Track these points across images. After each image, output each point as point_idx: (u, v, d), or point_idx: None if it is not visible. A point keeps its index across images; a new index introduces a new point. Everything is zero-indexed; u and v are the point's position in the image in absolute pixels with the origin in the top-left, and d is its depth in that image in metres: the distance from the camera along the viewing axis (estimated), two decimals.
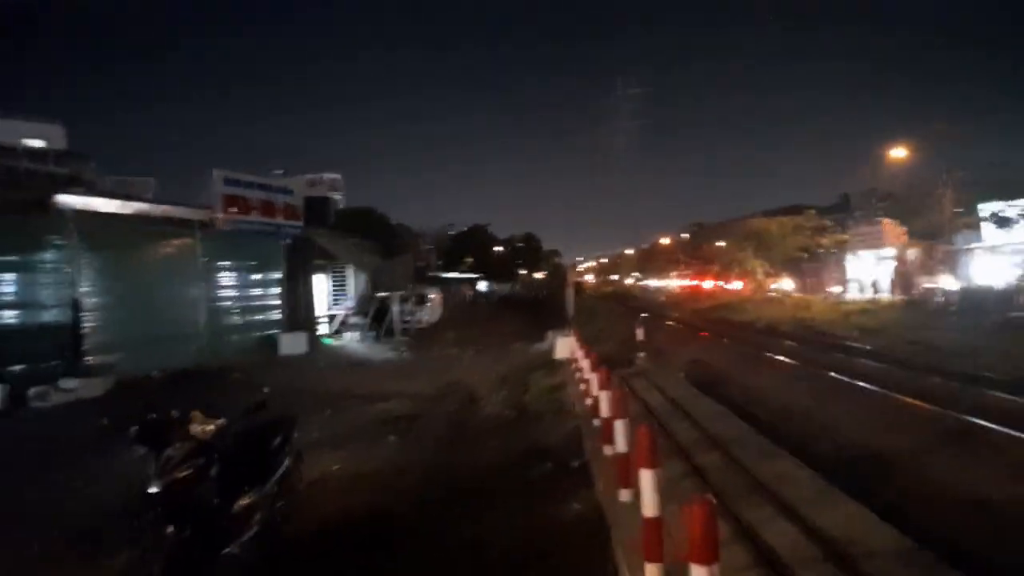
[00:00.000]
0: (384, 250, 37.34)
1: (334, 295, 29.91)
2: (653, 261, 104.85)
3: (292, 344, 22.85)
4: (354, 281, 31.05)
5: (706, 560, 3.26)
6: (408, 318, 33.14)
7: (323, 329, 27.82)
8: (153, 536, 5.28)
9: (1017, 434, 9.70)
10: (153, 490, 5.21)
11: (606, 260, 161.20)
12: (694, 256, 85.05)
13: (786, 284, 55.13)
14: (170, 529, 5.24)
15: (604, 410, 8.82)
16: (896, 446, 9.74)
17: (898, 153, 47.06)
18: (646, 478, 5.05)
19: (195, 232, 20.79)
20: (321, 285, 28.94)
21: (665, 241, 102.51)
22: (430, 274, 48.91)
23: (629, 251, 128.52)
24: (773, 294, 53.78)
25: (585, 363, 12.31)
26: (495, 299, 66.67)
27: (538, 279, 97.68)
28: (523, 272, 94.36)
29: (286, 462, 7.19)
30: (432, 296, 40.62)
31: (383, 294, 31.12)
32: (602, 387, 8.99)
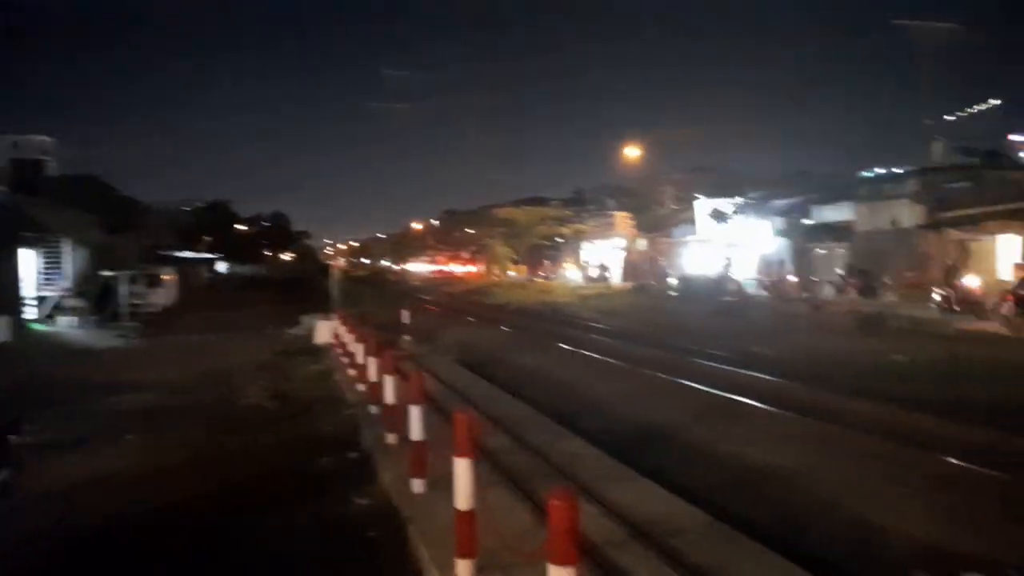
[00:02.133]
0: (109, 225, 32.95)
1: (47, 274, 25.76)
2: (406, 246, 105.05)
3: None
4: (72, 259, 26.99)
5: (569, 560, 2.97)
6: (138, 301, 29.59)
7: (32, 313, 23.86)
8: None
9: (748, 401, 10.87)
10: None
11: (357, 243, 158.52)
12: (445, 242, 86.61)
13: (572, 272, 55.35)
14: None
15: (389, 396, 8.33)
16: (660, 418, 10.41)
17: (631, 152, 51.65)
18: (463, 468, 4.67)
19: None
20: (30, 262, 24.76)
21: (417, 226, 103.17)
22: (163, 253, 44.25)
23: (381, 235, 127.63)
24: (557, 280, 52.94)
25: (358, 347, 11.66)
26: (239, 281, 62.34)
27: (286, 261, 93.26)
28: (270, 253, 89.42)
29: (2, 474, 5.79)
30: (166, 277, 36.76)
31: (108, 274, 27.47)
32: (387, 371, 8.46)
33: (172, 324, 26.66)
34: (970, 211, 25.04)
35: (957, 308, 20.74)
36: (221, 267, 68.36)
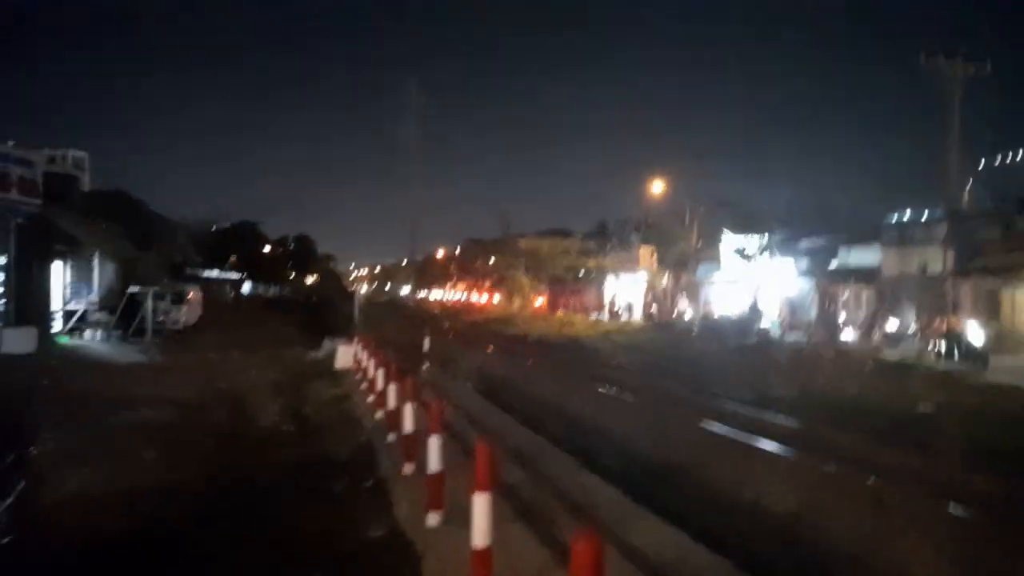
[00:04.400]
0: (138, 240, 33.41)
1: (75, 287, 26.11)
2: (428, 273, 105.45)
3: (17, 341, 19.43)
4: (100, 272, 27.36)
5: None
6: (162, 317, 29.86)
7: (60, 325, 24.15)
8: None
9: (771, 449, 10.62)
10: None
11: (380, 269, 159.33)
12: (468, 270, 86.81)
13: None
14: None
15: (407, 424, 8.25)
16: (677, 457, 10.22)
17: (656, 187, 51.51)
18: (480, 504, 4.57)
19: None
20: (59, 275, 25.11)
21: (441, 254, 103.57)
22: (190, 270, 44.73)
23: (404, 261, 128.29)
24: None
25: (378, 373, 11.61)
26: (263, 302, 62.76)
27: (311, 283, 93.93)
28: (295, 275, 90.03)
29: (19, 485, 5.77)
30: (191, 295, 37.12)
31: (135, 289, 27.77)
32: (406, 399, 8.39)
33: (195, 342, 26.79)
34: (1003, 259, 24.55)
35: (956, 356, 20.34)
36: (246, 287, 68.92)
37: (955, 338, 21.16)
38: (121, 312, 26.41)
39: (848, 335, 29.66)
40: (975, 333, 20.97)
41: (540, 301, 63.46)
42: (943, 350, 21.25)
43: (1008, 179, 30.85)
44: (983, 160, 31.35)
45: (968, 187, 31.33)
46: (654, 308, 45.65)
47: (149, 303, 28.06)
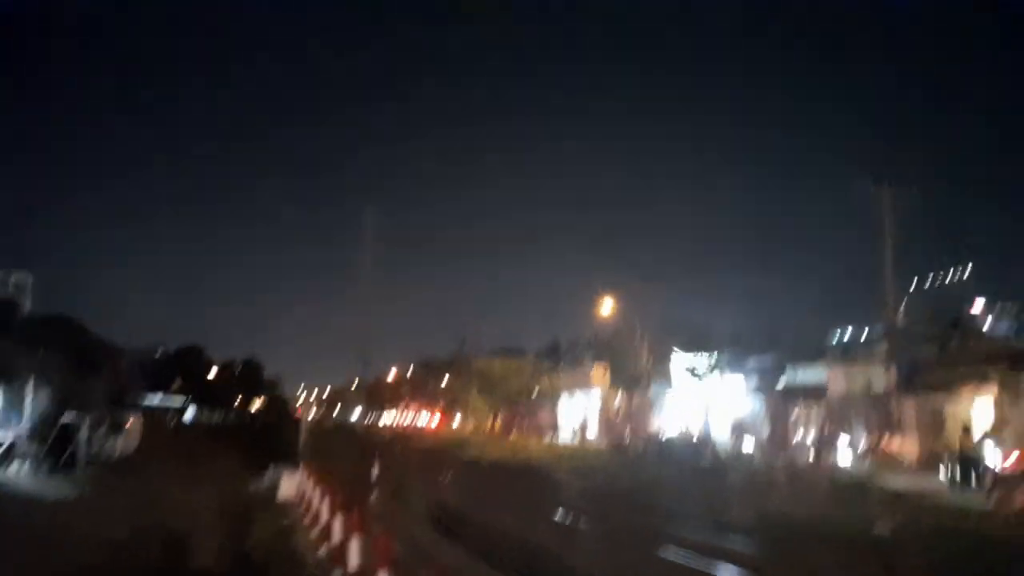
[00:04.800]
0: (77, 367, 32.25)
1: (5, 416, 24.85)
2: (379, 395, 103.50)
3: None
4: (34, 401, 26.14)
5: None
6: (98, 448, 28.49)
7: None
8: None
9: None
10: None
11: (329, 391, 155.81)
12: (420, 392, 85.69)
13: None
14: None
15: (353, 560, 7.82)
16: None
17: (605, 308, 52.45)
18: None
19: None
20: None
21: (393, 376, 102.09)
22: (130, 397, 43.13)
23: (355, 384, 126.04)
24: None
25: (323, 505, 11.10)
26: (206, 429, 60.49)
27: (257, 409, 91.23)
28: (241, 398, 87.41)
29: None
30: (129, 423, 35.63)
31: (69, 418, 26.55)
32: (353, 532, 8.00)
33: (131, 473, 25.46)
34: (942, 376, 25.29)
35: (972, 482, 17.75)
36: (188, 413, 66.61)
37: (972, 462, 18.26)
38: (53, 442, 25.11)
39: (801, 455, 29.69)
40: (991, 455, 17.99)
41: (494, 423, 62.63)
42: (958, 476, 18.53)
43: (940, 296, 32.26)
44: (915, 279, 32.78)
45: (903, 305, 32.68)
46: (627, 431, 45.09)
47: (84, 432, 26.81)
